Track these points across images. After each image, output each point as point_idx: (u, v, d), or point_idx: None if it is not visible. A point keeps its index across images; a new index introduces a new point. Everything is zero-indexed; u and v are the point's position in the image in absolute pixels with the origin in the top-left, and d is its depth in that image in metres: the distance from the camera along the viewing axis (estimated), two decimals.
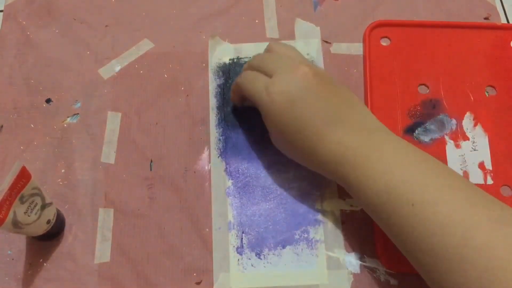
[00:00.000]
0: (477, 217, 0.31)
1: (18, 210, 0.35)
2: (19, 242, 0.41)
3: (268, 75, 0.39)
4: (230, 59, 0.49)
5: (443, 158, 0.44)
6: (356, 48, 0.49)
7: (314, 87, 0.37)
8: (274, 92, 0.37)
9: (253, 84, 0.39)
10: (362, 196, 0.35)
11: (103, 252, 0.41)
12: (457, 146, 0.45)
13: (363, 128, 0.37)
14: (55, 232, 0.41)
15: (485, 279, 0.29)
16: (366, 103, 0.46)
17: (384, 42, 0.49)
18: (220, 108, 0.47)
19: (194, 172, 0.44)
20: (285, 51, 0.41)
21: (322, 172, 0.39)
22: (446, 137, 0.45)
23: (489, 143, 0.45)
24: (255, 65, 0.41)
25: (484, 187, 0.43)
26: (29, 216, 0.36)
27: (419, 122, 0.45)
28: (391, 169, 0.34)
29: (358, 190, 0.36)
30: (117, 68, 0.48)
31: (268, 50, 0.42)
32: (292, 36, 0.50)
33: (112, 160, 0.45)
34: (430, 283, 0.33)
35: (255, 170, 0.44)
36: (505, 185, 0.43)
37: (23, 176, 0.35)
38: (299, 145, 0.38)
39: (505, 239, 0.30)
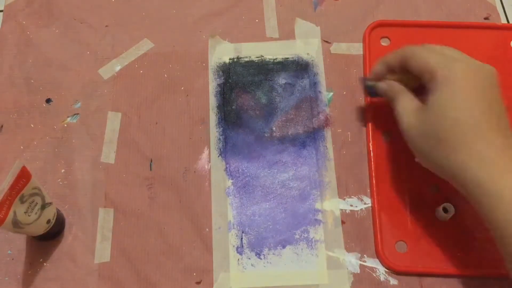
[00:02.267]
0: None
1: (18, 210, 0.35)
2: (19, 242, 0.41)
3: (445, 56, 0.37)
4: (230, 59, 0.49)
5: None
6: (356, 48, 0.49)
7: (495, 87, 0.36)
8: (459, 65, 0.36)
9: (432, 55, 0.37)
10: (500, 219, 0.32)
11: (103, 252, 0.41)
12: None
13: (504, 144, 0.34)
14: (55, 232, 0.41)
15: None
16: (366, 103, 0.46)
17: (384, 42, 0.49)
18: (220, 107, 0.47)
19: (194, 171, 0.44)
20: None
21: (445, 176, 0.36)
22: None
23: None
24: (431, 46, 0.39)
25: None
26: (29, 216, 0.36)
27: None
28: None
29: (494, 210, 0.33)
30: (117, 68, 0.48)
31: (442, 46, 0.40)
32: (292, 36, 0.50)
33: (112, 160, 0.45)
34: None
35: (255, 170, 0.44)
36: None
37: (23, 176, 0.35)
38: (449, 132, 0.35)
39: None
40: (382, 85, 0.42)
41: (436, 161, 0.36)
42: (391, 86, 0.41)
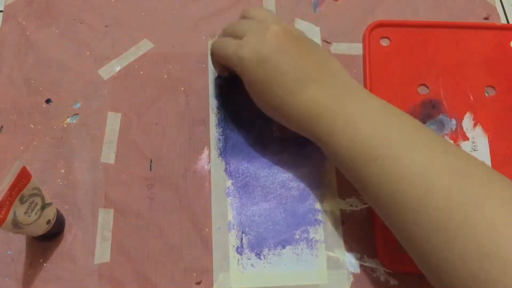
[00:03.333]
0: (437, 169, 0.32)
1: (18, 210, 0.35)
2: (19, 242, 0.41)
3: (239, 38, 0.39)
4: None
5: None
6: (356, 48, 0.49)
7: (285, 45, 0.37)
8: (244, 51, 0.38)
9: (225, 48, 0.40)
10: (332, 151, 0.37)
11: (103, 252, 0.41)
12: (457, 146, 0.45)
13: (334, 85, 0.38)
14: (55, 232, 0.41)
15: (443, 222, 0.30)
16: None
17: (384, 42, 0.49)
18: (220, 108, 0.47)
19: (194, 172, 0.44)
20: (258, 13, 0.41)
21: (296, 129, 0.39)
22: (446, 138, 0.45)
23: (489, 144, 0.45)
24: (227, 31, 0.42)
25: None
26: (29, 216, 0.36)
27: None
28: (357, 124, 0.35)
29: (328, 145, 0.37)
30: (117, 68, 0.48)
31: (242, 15, 0.43)
32: None
33: (112, 160, 0.45)
34: (396, 235, 0.34)
35: (255, 170, 0.44)
36: None
37: (23, 176, 0.35)
38: (272, 103, 0.38)
39: (463, 188, 0.31)
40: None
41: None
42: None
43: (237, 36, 0.40)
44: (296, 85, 0.37)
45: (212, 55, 0.44)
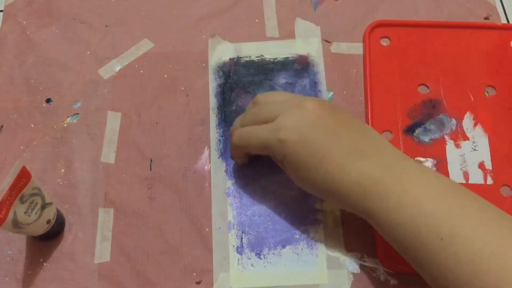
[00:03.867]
0: (509, 249, 0.30)
1: (18, 210, 0.35)
2: (19, 242, 0.41)
3: (269, 122, 0.37)
4: (230, 59, 0.49)
5: (443, 158, 0.44)
6: (356, 48, 0.49)
7: (325, 120, 0.36)
8: (284, 133, 0.36)
9: (257, 135, 0.38)
10: (387, 229, 0.34)
11: (103, 252, 0.41)
12: (457, 146, 0.45)
13: (382, 156, 0.36)
14: (55, 232, 0.41)
15: None
16: (366, 104, 0.46)
17: (384, 42, 0.49)
18: (220, 108, 0.47)
19: (194, 172, 0.44)
20: (277, 96, 0.39)
21: (344, 206, 0.37)
22: (446, 137, 0.45)
23: (489, 143, 0.45)
24: (248, 120, 0.40)
25: (484, 187, 0.43)
26: (29, 216, 0.36)
27: (419, 122, 0.45)
28: (418, 201, 0.33)
29: (383, 223, 0.34)
30: (117, 68, 0.48)
31: (255, 103, 0.40)
32: (292, 36, 0.50)
33: (112, 160, 0.45)
34: None
35: (255, 170, 0.44)
36: (505, 185, 0.43)
37: (23, 176, 0.35)
38: (318, 181, 0.36)
39: None
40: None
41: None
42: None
43: (264, 121, 0.37)
44: (344, 161, 0.35)
45: (236, 148, 0.41)
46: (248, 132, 0.39)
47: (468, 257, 0.31)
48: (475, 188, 0.42)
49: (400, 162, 0.36)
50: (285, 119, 0.36)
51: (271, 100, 0.39)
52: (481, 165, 0.44)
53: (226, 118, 0.46)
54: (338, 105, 0.47)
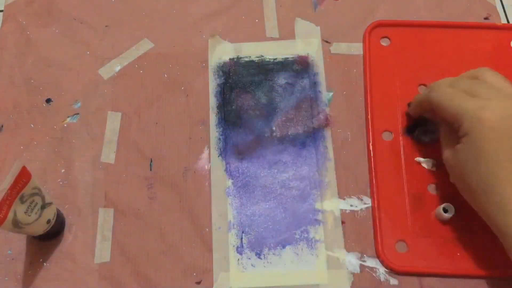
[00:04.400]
0: None
1: (18, 210, 0.35)
2: (19, 242, 0.41)
3: (480, 98, 0.36)
4: (230, 59, 0.49)
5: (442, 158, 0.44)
6: (356, 48, 0.49)
7: None
8: (487, 113, 0.34)
9: (461, 101, 0.36)
10: None
11: (103, 252, 0.41)
12: None
13: None
14: (55, 232, 0.41)
15: None
16: (366, 103, 0.46)
17: (384, 42, 0.49)
18: (220, 107, 0.47)
19: (194, 172, 0.44)
20: (495, 79, 0.38)
21: (486, 219, 0.36)
22: None
23: None
24: (460, 85, 0.38)
25: None
26: (29, 215, 0.36)
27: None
28: None
29: None
30: (117, 68, 0.48)
31: (476, 76, 0.39)
32: (292, 36, 0.50)
33: (112, 160, 0.45)
34: None
35: (255, 170, 0.44)
36: None
37: (23, 176, 0.35)
38: (483, 177, 0.34)
39: None
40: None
41: (470, 200, 0.37)
42: (436, 116, 0.41)
43: (476, 95, 0.36)
44: None
45: (428, 100, 0.40)
46: (454, 94, 0.37)
47: None
48: None
49: None
50: (494, 103, 0.35)
51: (492, 80, 0.38)
52: None
53: (226, 117, 0.46)
54: (338, 105, 0.47)
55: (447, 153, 0.39)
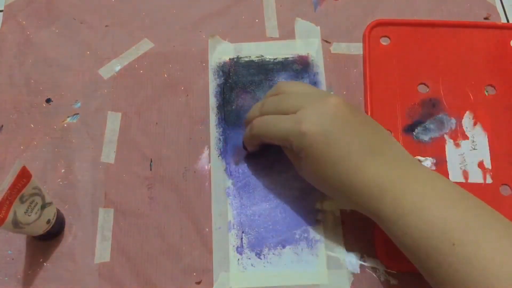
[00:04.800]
0: None
1: (18, 210, 0.35)
2: (19, 242, 0.41)
3: (291, 113, 0.37)
4: (230, 58, 0.49)
5: (442, 157, 0.44)
6: (356, 48, 0.49)
7: (347, 117, 0.36)
8: (306, 125, 0.35)
9: (278, 125, 0.38)
10: (398, 232, 0.34)
11: (103, 252, 0.41)
12: (457, 145, 0.45)
13: (398, 160, 0.36)
14: (55, 232, 0.41)
15: None
16: (366, 103, 0.46)
17: (384, 42, 0.49)
18: (220, 107, 0.47)
19: (194, 172, 0.44)
20: (298, 87, 0.39)
21: (354, 206, 0.37)
22: (446, 136, 0.45)
23: (488, 142, 0.45)
24: (269, 110, 0.39)
25: (483, 186, 0.43)
26: (29, 215, 0.36)
27: (418, 121, 0.45)
28: (431, 205, 0.33)
29: (394, 225, 0.34)
30: (117, 68, 0.48)
31: (277, 92, 0.40)
32: (292, 36, 0.50)
33: (112, 160, 0.45)
34: None
35: (255, 170, 0.44)
36: (504, 184, 0.43)
37: (24, 176, 0.35)
38: (334, 178, 0.36)
39: None
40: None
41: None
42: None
43: (286, 111, 0.37)
44: (360, 159, 0.35)
45: (253, 135, 0.41)
46: (269, 121, 0.39)
47: (480, 264, 0.30)
48: (474, 187, 0.42)
49: (416, 167, 0.36)
50: (308, 112, 0.36)
51: (295, 90, 0.39)
52: (481, 164, 0.44)
53: (226, 117, 0.46)
54: None
55: (297, 167, 0.39)
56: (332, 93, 0.38)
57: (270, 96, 0.41)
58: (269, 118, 0.39)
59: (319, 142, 0.35)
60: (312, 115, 0.36)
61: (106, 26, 0.51)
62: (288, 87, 0.40)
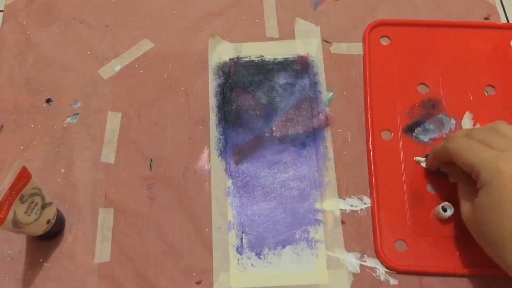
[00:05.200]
0: None
1: (18, 210, 0.35)
2: (19, 242, 0.41)
3: (497, 149, 0.36)
4: (230, 59, 0.49)
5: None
6: (356, 48, 0.49)
7: None
8: (505, 165, 0.34)
9: (477, 153, 0.36)
10: None
11: (103, 252, 0.41)
12: None
13: None
14: (55, 232, 0.41)
15: None
16: (365, 103, 0.46)
17: (384, 42, 0.49)
18: (220, 107, 0.47)
19: (194, 171, 0.44)
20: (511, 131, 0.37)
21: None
22: None
23: None
24: (476, 136, 0.38)
25: None
26: (29, 215, 0.36)
27: (418, 121, 0.45)
28: None
29: None
30: (117, 68, 0.48)
31: (490, 127, 0.39)
32: (292, 36, 0.50)
33: (112, 160, 0.45)
34: None
35: (255, 170, 0.44)
36: None
37: (23, 176, 0.35)
38: (506, 231, 0.33)
39: None
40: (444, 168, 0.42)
41: (491, 255, 0.36)
42: (452, 170, 0.41)
43: (493, 146, 0.36)
44: None
45: (445, 151, 0.39)
46: (470, 145, 0.37)
47: None
48: None
49: None
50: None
51: (507, 132, 0.37)
52: None
53: (226, 117, 0.46)
54: (338, 105, 0.47)
55: (465, 209, 0.38)
56: None
57: (483, 128, 0.39)
58: (472, 143, 0.37)
59: (509, 185, 0.33)
60: None
61: (106, 26, 0.51)
62: (503, 128, 0.38)
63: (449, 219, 0.41)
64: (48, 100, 0.47)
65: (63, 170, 0.44)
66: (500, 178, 0.34)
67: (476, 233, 0.37)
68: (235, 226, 0.42)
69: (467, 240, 0.41)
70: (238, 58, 0.49)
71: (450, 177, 0.42)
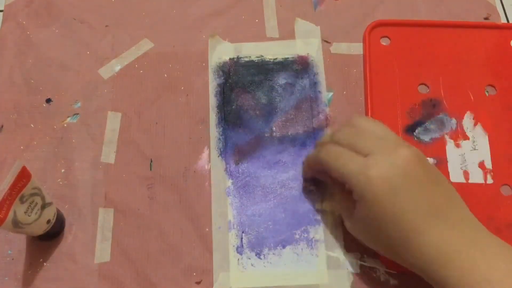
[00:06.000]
0: None
1: (18, 210, 0.35)
2: (19, 242, 0.41)
3: (361, 154, 0.35)
4: (230, 59, 0.49)
5: (443, 158, 0.44)
6: (356, 48, 0.49)
7: (416, 173, 0.34)
8: (373, 176, 0.33)
9: (344, 163, 0.35)
10: None
11: (103, 252, 0.41)
12: (457, 145, 0.45)
13: (463, 226, 0.34)
14: (55, 232, 0.41)
15: None
16: (366, 103, 0.46)
17: (384, 42, 0.49)
18: (220, 107, 0.47)
19: (194, 171, 0.44)
20: (374, 128, 0.37)
21: (413, 269, 0.35)
22: (446, 137, 0.45)
23: (489, 143, 0.45)
24: (341, 140, 0.37)
25: (484, 186, 0.43)
26: (29, 215, 0.36)
27: (419, 121, 0.45)
28: (505, 278, 0.31)
29: None
30: (117, 68, 0.48)
31: (352, 125, 0.38)
32: (292, 36, 0.50)
33: (112, 160, 0.45)
34: None
35: (255, 170, 0.44)
36: (505, 184, 0.43)
37: (24, 176, 0.35)
38: (391, 235, 0.34)
39: None
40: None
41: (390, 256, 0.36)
42: (328, 178, 0.40)
43: (357, 151, 0.35)
44: (424, 221, 0.33)
45: (315, 160, 0.39)
46: (338, 154, 0.36)
47: None
48: (475, 187, 0.43)
49: (482, 234, 0.34)
50: (379, 159, 0.34)
51: (371, 130, 0.37)
52: (481, 165, 0.44)
53: (226, 117, 0.46)
54: (338, 105, 0.47)
55: (348, 224, 0.38)
56: (406, 144, 0.36)
57: (346, 126, 0.38)
58: (339, 151, 0.36)
59: (383, 192, 0.33)
60: (382, 163, 0.34)
61: (106, 26, 0.51)
62: (365, 123, 0.37)
63: None
64: (48, 100, 0.47)
65: (63, 170, 0.44)
66: (371, 190, 0.33)
67: (368, 242, 0.37)
68: (235, 226, 0.42)
69: None
70: (238, 58, 0.49)
71: (329, 186, 0.42)
